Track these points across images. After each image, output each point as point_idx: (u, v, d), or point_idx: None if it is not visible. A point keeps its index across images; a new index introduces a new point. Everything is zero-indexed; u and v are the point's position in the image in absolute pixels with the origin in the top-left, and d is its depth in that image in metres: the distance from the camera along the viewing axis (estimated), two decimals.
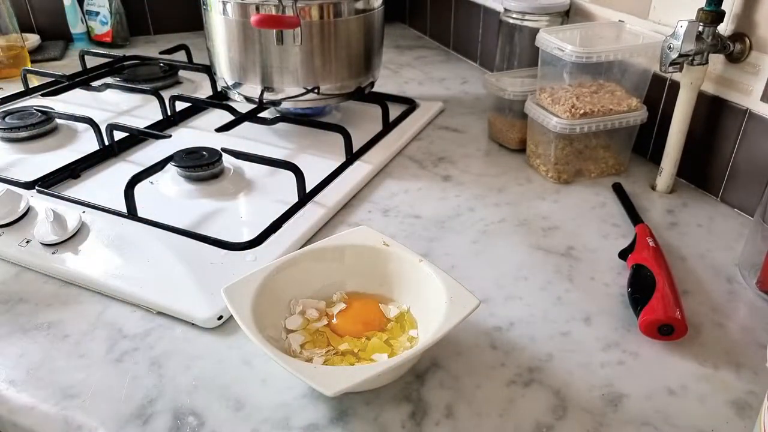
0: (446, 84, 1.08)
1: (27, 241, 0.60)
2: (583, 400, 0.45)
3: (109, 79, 1.00)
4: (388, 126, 0.86)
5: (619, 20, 0.78)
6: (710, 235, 0.65)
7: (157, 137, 0.77)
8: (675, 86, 0.70)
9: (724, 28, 0.65)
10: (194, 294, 0.54)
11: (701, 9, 0.63)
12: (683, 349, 0.50)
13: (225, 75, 0.82)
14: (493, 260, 0.61)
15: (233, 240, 0.60)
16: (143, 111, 0.92)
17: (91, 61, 1.07)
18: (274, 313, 0.49)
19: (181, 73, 1.06)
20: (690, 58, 0.64)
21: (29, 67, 1.03)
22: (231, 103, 0.86)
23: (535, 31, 0.75)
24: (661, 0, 0.73)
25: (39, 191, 0.69)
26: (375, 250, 0.53)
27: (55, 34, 1.25)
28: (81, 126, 0.85)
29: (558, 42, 0.69)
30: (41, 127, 0.83)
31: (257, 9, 0.73)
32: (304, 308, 0.50)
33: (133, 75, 1.03)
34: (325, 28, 0.76)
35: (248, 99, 0.83)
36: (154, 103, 0.88)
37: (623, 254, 0.60)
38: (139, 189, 0.65)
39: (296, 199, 0.67)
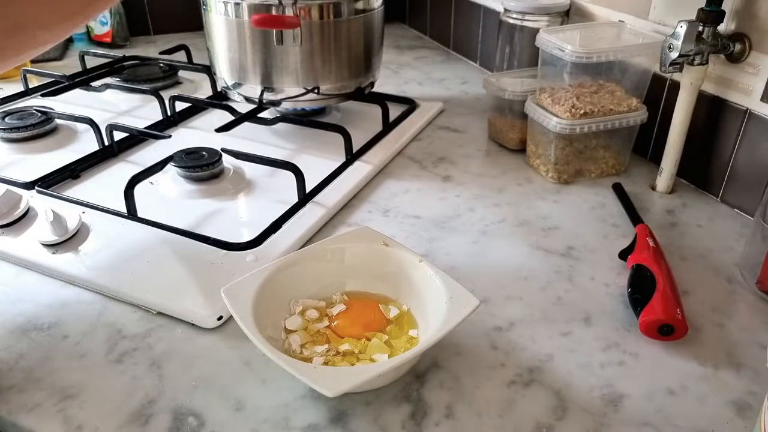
0: (446, 84, 1.08)
1: (27, 242, 0.60)
2: (583, 400, 0.45)
3: (108, 80, 1.00)
4: (388, 126, 0.86)
5: (620, 20, 0.79)
6: (710, 235, 0.65)
7: (157, 137, 0.77)
8: (675, 86, 0.70)
9: (724, 28, 0.65)
10: (194, 294, 0.54)
11: (701, 9, 0.63)
12: (683, 349, 0.50)
13: (225, 75, 0.82)
14: (493, 260, 0.61)
15: (233, 240, 0.60)
16: (143, 111, 0.92)
17: (91, 62, 1.07)
18: (274, 313, 0.49)
19: (181, 73, 1.06)
20: (690, 58, 0.64)
21: (29, 67, 1.03)
22: (231, 104, 0.86)
23: (535, 31, 0.75)
24: (661, 0, 0.73)
25: (39, 191, 0.69)
26: (375, 251, 0.53)
27: None
28: (81, 126, 0.85)
29: (558, 42, 0.69)
30: (41, 128, 0.83)
31: (257, 9, 0.73)
32: (304, 308, 0.50)
33: (133, 75, 1.03)
34: (325, 28, 0.76)
35: (248, 99, 0.83)
36: (154, 103, 0.88)
37: (623, 254, 0.60)
38: (139, 189, 0.65)
39: (296, 200, 0.67)
